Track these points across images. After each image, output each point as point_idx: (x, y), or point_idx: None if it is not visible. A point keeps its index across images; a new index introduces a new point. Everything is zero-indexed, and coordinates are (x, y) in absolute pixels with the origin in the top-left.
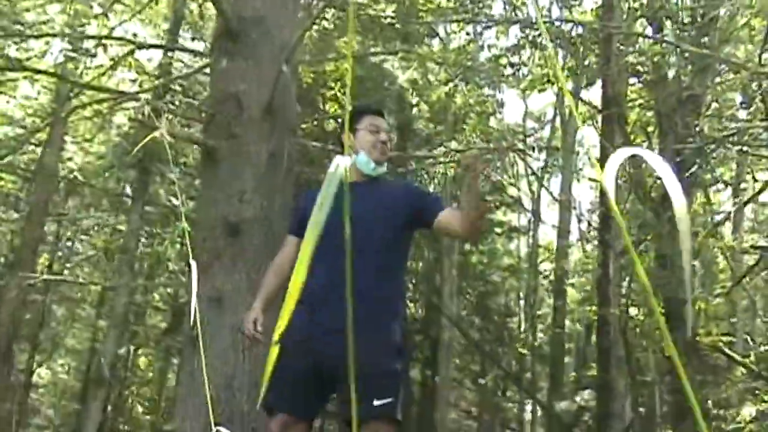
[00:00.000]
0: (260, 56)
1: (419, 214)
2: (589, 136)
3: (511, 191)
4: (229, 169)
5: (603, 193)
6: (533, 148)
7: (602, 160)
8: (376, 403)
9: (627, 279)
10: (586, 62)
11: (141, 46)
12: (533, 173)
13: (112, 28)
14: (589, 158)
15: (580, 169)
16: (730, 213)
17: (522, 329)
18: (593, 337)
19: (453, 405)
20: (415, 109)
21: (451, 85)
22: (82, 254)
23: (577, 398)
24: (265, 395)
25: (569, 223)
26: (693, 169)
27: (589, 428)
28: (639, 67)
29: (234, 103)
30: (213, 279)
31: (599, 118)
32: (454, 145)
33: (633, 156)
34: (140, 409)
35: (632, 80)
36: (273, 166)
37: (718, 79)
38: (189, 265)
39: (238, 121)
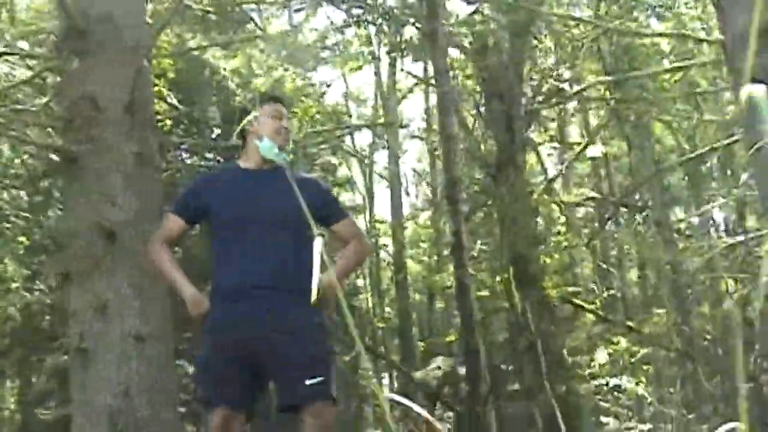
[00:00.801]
0: (112, 54)
1: (325, 215)
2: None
3: (342, 171)
4: (95, 173)
5: (447, 161)
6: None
7: (439, 129)
8: (308, 382)
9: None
10: (409, 37)
11: None
12: (357, 154)
13: None
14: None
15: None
16: (561, 169)
17: (370, 306)
18: (436, 305)
19: None
20: (239, 98)
21: (277, 71)
22: None
23: (431, 366)
24: (200, 391)
25: (400, 197)
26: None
27: (453, 394)
28: (461, 38)
29: (90, 104)
30: (94, 288)
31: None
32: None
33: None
34: None
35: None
36: (140, 165)
37: (535, 43)
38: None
39: (96, 122)
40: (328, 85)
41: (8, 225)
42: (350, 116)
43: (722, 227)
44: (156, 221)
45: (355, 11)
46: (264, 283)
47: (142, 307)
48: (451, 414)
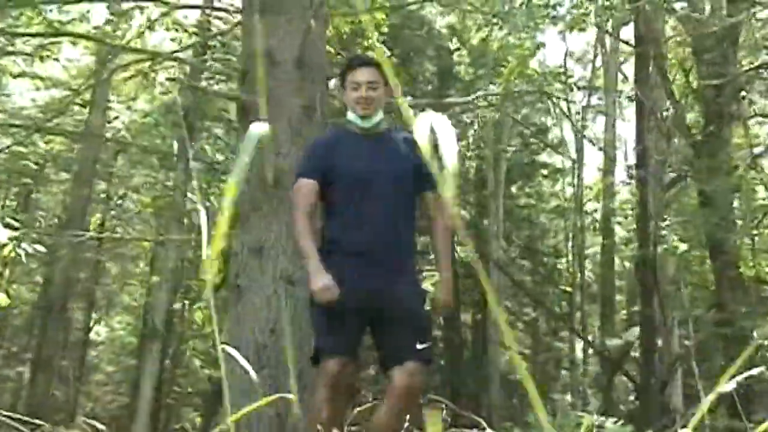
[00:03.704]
0: (290, 11)
1: (425, 178)
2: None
3: (555, 132)
4: (265, 122)
5: (640, 130)
6: (572, 88)
7: (635, 97)
8: (419, 346)
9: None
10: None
11: (177, 7)
12: (575, 114)
13: None
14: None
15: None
16: None
17: (570, 270)
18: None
19: (505, 347)
20: (455, 55)
21: (488, 29)
22: (132, 211)
23: (628, 335)
24: (319, 341)
25: (614, 162)
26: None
27: (637, 364)
28: (675, 4)
29: (266, 58)
30: (253, 230)
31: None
32: (493, 89)
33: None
34: (197, 362)
35: (668, 17)
36: (307, 118)
37: (753, 10)
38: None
39: (271, 76)
40: (542, 45)
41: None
42: (570, 77)
43: None
44: None
45: None
46: (384, 242)
47: (295, 251)
48: (631, 385)
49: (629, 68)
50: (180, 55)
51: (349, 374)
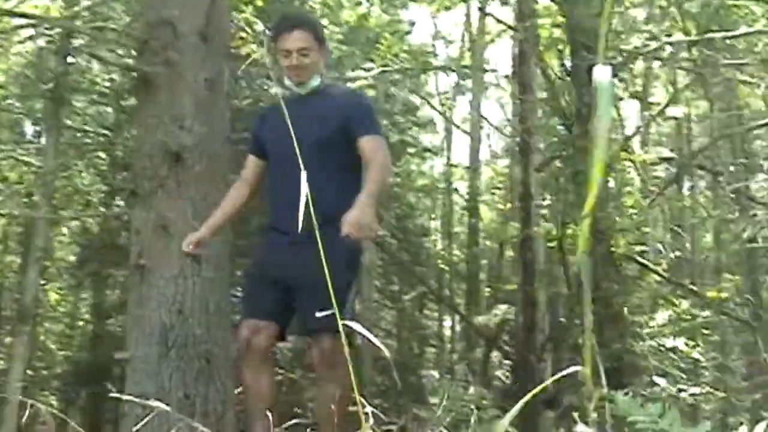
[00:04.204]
0: None
1: (353, 127)
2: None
3: (424, 111)
4: (168, 95)
5: (522, 110)
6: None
7: (517, 77)
8: (318, 315)
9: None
10: None
11: None
12: (441, 94)
13: None
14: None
15: (492, 86)
16: (640, 127)
17: (439, 248)
18: (507, 253)
19: (374, 326)
20: (327, 31)
21: (364, 5)
22: None
23: (494, 312)
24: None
25: (479, 142)
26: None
27: (511, 340)
28: None
29: (169, 29)
30: (157, 207)
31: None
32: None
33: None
34: (52, 345)
35: None
36: (211, 91)
37: None
38: (115, 196)
39: (174, 47)
40: (413, 24)
41: (89, 140)
42: (436, 56)
43: None
44: (221, 148)
45: None
46: (296, 212)
47: None
48: (507, 361)
49: (504, 48)
50: (76, 23)
51: (263, 339)
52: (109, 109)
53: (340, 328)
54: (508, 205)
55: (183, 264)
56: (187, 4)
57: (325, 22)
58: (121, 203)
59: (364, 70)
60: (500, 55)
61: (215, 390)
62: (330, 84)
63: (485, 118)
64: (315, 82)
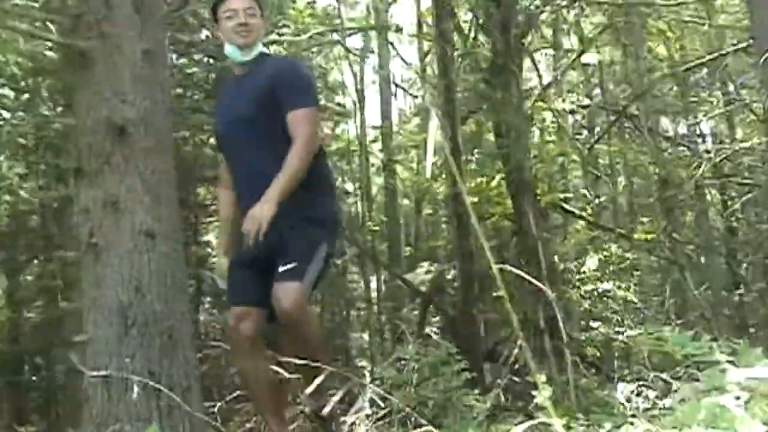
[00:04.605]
0: None
1: (281, 99)
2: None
3: (335, 76)
4: (105, 70)
5: (442, 66)
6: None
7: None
8: (281, 269)
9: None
10: None
11: None
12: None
13: None
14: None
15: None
16: (557, 76)
17: (358, 210)
18: (423, 212)
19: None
20: None
21: None
22: None
23: (419, 270)
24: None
25: (388, 105)
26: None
27: (446, 296)
28: None
29: (101, 1)
30: (105, 184)
31: None
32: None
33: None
34: None
35: None
36: (150, 63)
37: None
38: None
39: (107, 20)
40: None
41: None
42: (341, 19)
43: (710, 138)
44: (163, 120)
45: None
46: (251, 191)
47: (153, 203)
48: (438, 318)
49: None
50: None
51: (250, 324)
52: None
53: (302, 280)
54: (424, 164)
55: (136, 240)
56: None
57: None
58: (27, 186)
59: (278, 35)
60: (403, 14)
61: (179, 365)
62: (269, 55)
63: (396, 83)
64: (258, 48)
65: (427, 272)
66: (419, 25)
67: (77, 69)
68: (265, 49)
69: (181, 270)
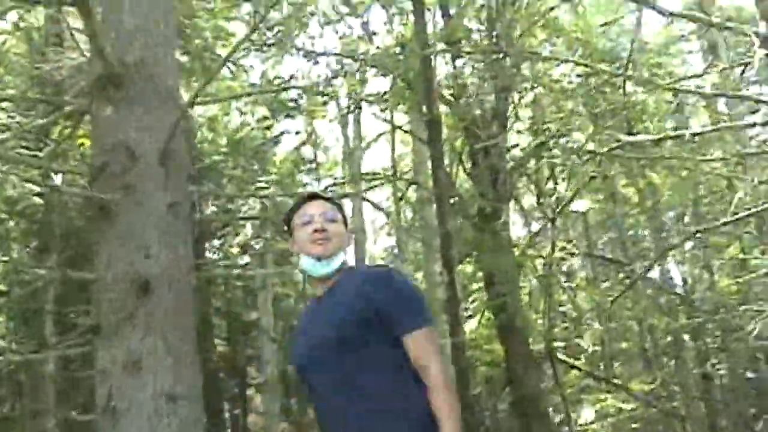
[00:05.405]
0: (148, 102)
1: (391, 321)
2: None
3: None
4: (129, 223)
5: (441, 215)
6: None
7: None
8: None
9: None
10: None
11: None
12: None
13: None
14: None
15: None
16: (546, 223)
17: None
18: None
19: None
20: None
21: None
22: None
23: None
24: None
25: (363, 249)
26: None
27: None
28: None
29: (125, 153)
30: (126, 342)
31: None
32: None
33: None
34: None
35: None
36: (174, 216)
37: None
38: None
39: (132, 172)
40: (297, 132)
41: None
42: (317, 163)
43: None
44: (186, 275)
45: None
46: (334, 423)
47: (175, 365)
48: None
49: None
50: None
51: None
52: None
53: None
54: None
55: (157, 403)
56: (145, 126)
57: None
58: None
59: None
60: (377, 157)
61: None
62: (352, 267)
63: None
64: (339, 260)
65: None
66: (394, 169)
67: (99, 222)
68: (349, 261)
69: None
